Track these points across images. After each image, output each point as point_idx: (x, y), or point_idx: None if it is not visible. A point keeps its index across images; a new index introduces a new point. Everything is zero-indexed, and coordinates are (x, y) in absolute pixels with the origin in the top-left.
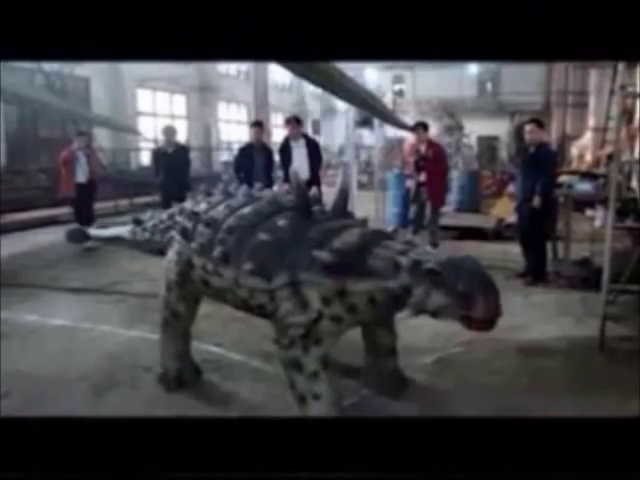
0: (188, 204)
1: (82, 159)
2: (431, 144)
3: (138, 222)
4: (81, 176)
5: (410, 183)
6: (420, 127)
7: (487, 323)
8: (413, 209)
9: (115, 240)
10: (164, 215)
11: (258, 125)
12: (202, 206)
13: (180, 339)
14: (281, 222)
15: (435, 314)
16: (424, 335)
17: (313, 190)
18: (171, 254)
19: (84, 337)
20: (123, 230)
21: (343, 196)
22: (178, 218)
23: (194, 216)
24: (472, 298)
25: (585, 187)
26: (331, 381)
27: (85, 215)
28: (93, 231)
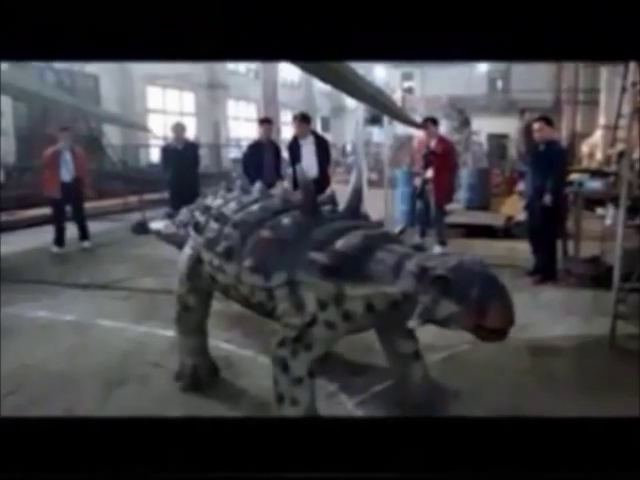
0: (208, 199)
1: (67, 156)
2: (441, 140)
3: (170, 216)
4: (66, 175)
5: (418, 181)
6: (430, 122)
7: (500, 333)
8: (418, 206)
9: (156, 234)
10: (189, 210)
11: (267, 122)
12: (218, 201)
13: (194, 334)
14: (286, 220)
15: (444, 323)
16: (432, 332)
17: (330, 190)
18: (186, 248)
19: (93, 332)
20: (161, 224)
21: (356, 196)
22: (196, 213)
23: (207, 211)
24: (486, 306)
25: (595, 185)
26: (312, 389)
27: (76, 214)
28: (152, 224)
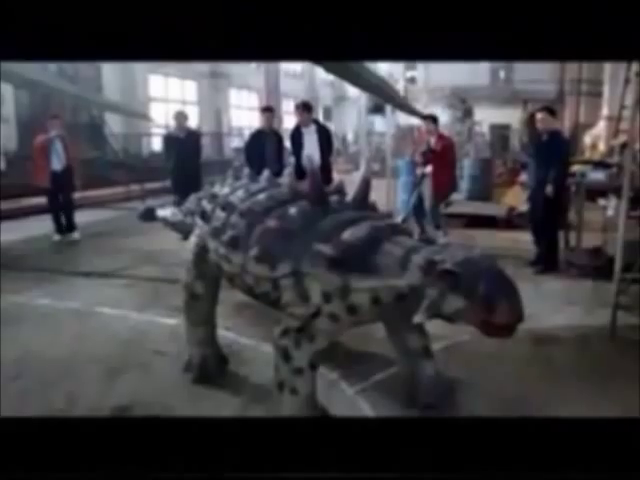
0: (215, 187)
1: (58, 145)
2: (440, 137)
3: (177, 204)
4: (57, 164)
5: (420, 171)
6: (429, 119)
7: (508, 329)
8: (413, 200)
9: (163, 221)
10: (196, 198)
11: (269, 111)
12: (225, 190)
13: (202, 324)
14: (293, 210)
15: (451, 318)
16: (433, 322)
17: (338, 180)
18: (193, 237)
19: (95, 320)
20: (168, 212)
21: (365, 186)
22: (202, 201)
23: (213, 199)
24: (494, 302)
25: (598, 176)
26: (313, 380)
27: (66, 204)
28: (159, 212)
